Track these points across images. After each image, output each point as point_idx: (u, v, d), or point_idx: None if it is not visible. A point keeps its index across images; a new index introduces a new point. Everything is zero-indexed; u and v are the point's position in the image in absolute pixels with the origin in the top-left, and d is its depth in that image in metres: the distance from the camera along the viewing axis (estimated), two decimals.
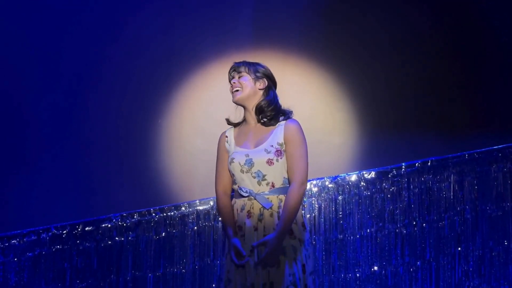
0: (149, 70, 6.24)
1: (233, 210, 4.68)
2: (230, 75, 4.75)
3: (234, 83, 4.72)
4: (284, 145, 4.63)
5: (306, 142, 4.66)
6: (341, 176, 6.08)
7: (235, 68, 4.74)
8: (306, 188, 4.65)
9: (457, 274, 6.03)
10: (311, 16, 6.29)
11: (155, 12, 6.25)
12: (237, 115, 4.85)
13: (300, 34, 6.27)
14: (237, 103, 4.74)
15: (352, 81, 6.27)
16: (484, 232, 6.04)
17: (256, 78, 4.71)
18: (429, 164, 6.07)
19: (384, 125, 6.22)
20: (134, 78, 6.24)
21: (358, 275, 6.03)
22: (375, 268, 6.02)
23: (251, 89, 4.70)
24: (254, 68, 4.72)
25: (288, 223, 4.51)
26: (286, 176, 4.65)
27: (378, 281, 6.02)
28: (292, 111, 4.76)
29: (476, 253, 6.03)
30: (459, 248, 6.03)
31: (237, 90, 4.71)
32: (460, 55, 6.28)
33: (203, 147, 6.12)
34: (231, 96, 4.80)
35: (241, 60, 4.78)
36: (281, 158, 4.62)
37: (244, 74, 4.71)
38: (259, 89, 4.72)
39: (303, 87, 6.24)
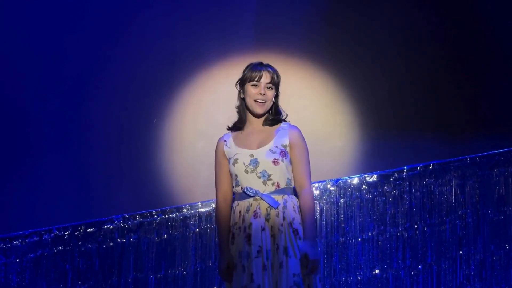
0: (152, 73, 6.25)
1: (234, 213, 4.68)
2: (260, 73, 4.68)
3: (264, 95, 4.67)
4: (288, 147, 4.66)
5: (307, 148, 4.72)
6: (343, 179, 6.08)
7: (270, 76, 4.69)
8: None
9: (459, 278, 6.02)
10: (313, 20, 6.29)
11: (157, 15, 6.26)
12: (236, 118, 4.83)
13: (302, 37, 6.27)
14: (260, 113, 4.71)
15: (354, 84, 6.27)
16: (485, 236, 6.04)
17: (277, 93, 4.75)
18: (430, 167, 6.07)
19: (386, 128, 6.23)
20: (137, 81, 6.25)
21: (359, 278, 6.03)
22: (377, 271, 6.02)
23: (271, 101, 4.73)
24: (279, 82, 4.74)
25: (312, 227, 4.57)
26: (290, 177, 4.67)
27: (379, 285, 6.02)
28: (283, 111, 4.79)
29: (478, 257, 6.03)
30: (461, 252, 6.03)
31: (264, 102, 4.68)
32: (463, 59, 6.29)
33: (205, 150, 6.12)
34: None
35: (272, 67, 4.73)
36: (285, 158, 4.64)
37: (273, 87, 4.70)
38: (273, 100, 4.75)
39: (305, 90, 6.25)
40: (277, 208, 4.59)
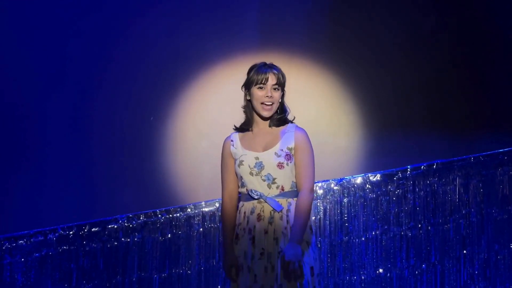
0: (155, 73, 6.26)
1: (239, 213, 4.69)
2: (266, 75, 4.65)
3: (271, 97, 4.66)
4: (293, 150, 4.65)
5: (313, 150, 4.70)
6: (346, 178, 6.08)
7: (276, 77, 4.67)
8: (313, 194, 4.68)
9: (462, 277, 6.02)
10: (316, 19, 6.29)
11: (161, 15, 6.27)
12: (241, 117, 4.83)
13: (306, 37, 6.27)
14: (267, 116, 4.71)
15: (358, 83, 6.27)
16: (489, 235, 6.03)
17: (283, 93, 4.74)
18: (434, 167, 6.06)
19: (390, 128, 6.22)
20: (140, 81, 6.26)
21: (363, 277, 6.03)
22: (380, 270, 6.02)
23: (278, 103, 4.72)
24: (285, 82, 4.73)
25: (302, 230, 4.53)
26: (294, 180, 4.67)
27: (383, 284, 6.02)
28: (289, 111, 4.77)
29: (482, 256, 6.02)
30: (465, 251, 6.03)
31: (271, 105, 4.67)
32: (466, 57, 6.28)
33: (208, 149, 6.13)
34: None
35: (277, 67, 4.70)
36: (290, 162, 4.64)
37: (279, 88, 4.69)
38: (280, 101, 4.75)
39: (309, 89, 6.24)
40: (280, 211, 4.60)
